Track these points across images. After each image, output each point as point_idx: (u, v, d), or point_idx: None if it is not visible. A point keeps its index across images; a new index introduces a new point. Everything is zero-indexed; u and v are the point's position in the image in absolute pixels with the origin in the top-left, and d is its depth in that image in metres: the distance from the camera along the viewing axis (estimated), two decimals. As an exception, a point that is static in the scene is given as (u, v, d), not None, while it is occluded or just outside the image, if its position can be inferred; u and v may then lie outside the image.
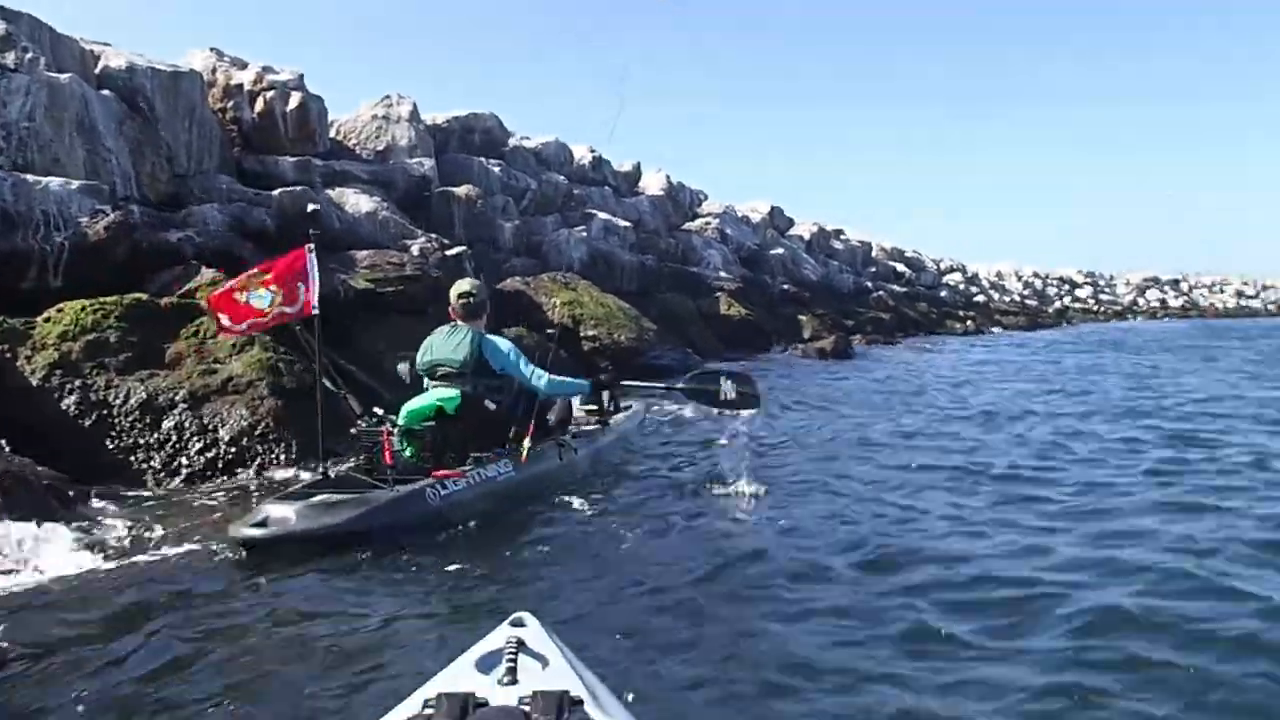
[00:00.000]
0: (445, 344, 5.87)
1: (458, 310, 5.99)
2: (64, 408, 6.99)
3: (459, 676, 1.99)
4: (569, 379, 6.43)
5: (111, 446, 6.93)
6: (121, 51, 13.30)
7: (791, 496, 6.14)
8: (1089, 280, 70.28)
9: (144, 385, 7.19)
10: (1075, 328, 47.81)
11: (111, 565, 4.65)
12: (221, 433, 7.08)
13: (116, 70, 12.78)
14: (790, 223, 33.56)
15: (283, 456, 7.07)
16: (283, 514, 4.68)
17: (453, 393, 5.63)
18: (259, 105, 15.33)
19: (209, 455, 7.01)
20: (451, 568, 4.53)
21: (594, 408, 7.34)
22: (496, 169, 18.42)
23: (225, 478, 6.85)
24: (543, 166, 20.79)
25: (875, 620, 3.76)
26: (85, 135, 11.09)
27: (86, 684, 3.21)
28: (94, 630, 3.75)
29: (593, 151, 23.20)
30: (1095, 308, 65.36)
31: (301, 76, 15.82)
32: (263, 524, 4.63)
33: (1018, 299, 56.37)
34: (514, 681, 1.90)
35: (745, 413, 6.73)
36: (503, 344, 5.99)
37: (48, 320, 7.46)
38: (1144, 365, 18.76)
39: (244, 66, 15.78)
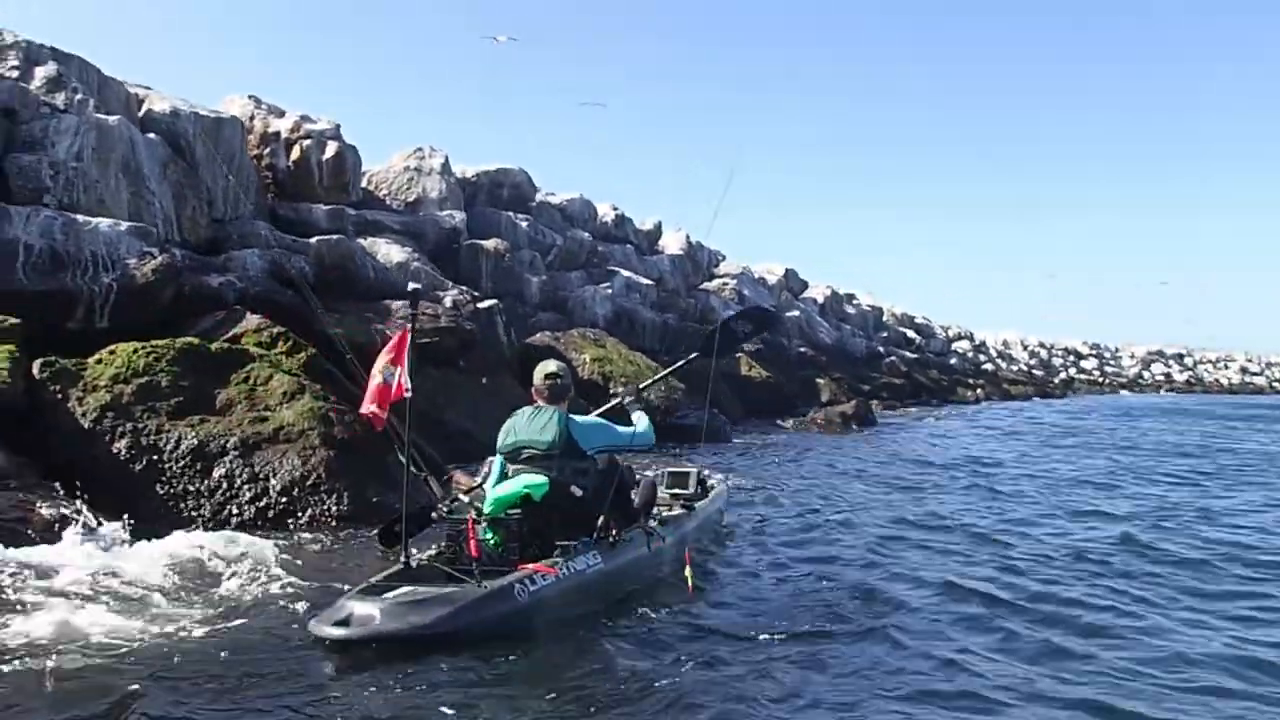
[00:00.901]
0: (530, 425, 5.47)
1: (543, 392, 5.62)
2: (115, 451, 6.90)
3: None
4: (647, 422, 6.14)
5: (162, 492, 6.84)
6: (166, 95, 13.43)
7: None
8: (1094, 352, 70.40)
9: (195, 431, 7.11)
10: (1082, 399, 47.82)
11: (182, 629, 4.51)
12: (273, 482, 6.99)
13: (160, 114, 12.88)
14: (804, 285, 33.68)
15: (334, 508, 6.97)
16: (367, 612, 4.37)
17: (541, 479, 5.26)
18: (295, 153, 15.44)
19: (260, 505, 6.92)
20: (540, 671, 4.25)
21: (679, 491, 7.04)
22: (524, 224, 18.52)
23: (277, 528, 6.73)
24: (567, 223, 20.92)
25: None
26: (130, 177, 11.14)
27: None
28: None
29: (615, 210, 23.36)
30: (1100, 379, 65.40)
31: (338, 127, 15.96)
32: (345, 622, 4.34)
33: (1024, 368, 56.40)
34: None
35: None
36: (588, 421, 5.74)
37: (99, 362, 7.40)
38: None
39: (281, 114, 15.92)
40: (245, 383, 7.67)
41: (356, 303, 12.56)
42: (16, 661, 3.90)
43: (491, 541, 5.14)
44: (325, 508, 6.95)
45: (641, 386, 6.92)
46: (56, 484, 6.26)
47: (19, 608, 4.54)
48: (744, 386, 19.56)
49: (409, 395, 4.92)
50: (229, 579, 5.31)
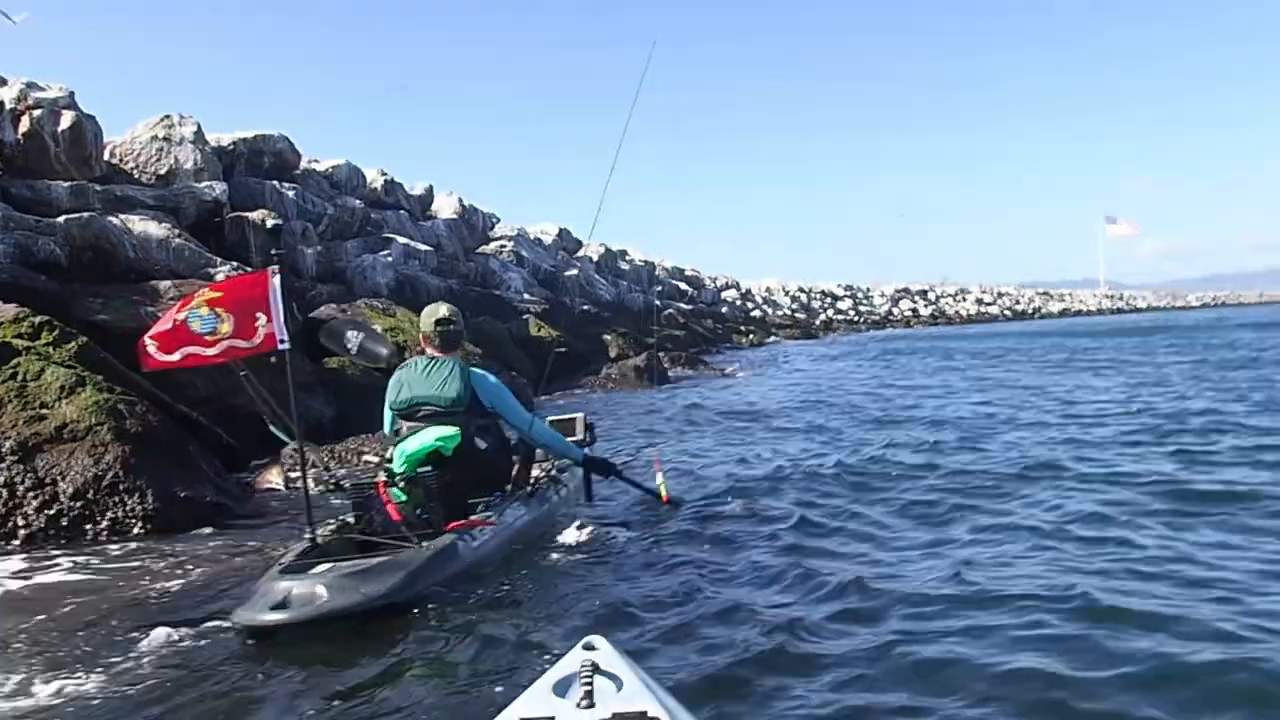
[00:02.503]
0: (427, 379, 5.05)
1: (434, 340, 5.23)
2: None
3: (536, 701, 2.04)
4: (562, 438, 5.81)
5: (-74, 511, 5.97)
6: None
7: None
8: (849, 293, 74.58)
9: (-41, 438, 6.24)
10: (846, 336, 50.70)
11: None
12: (62, 485, 6.24)
13: None
14: (578, 244, 33.69)
15: (139, 508, 6.30)
16: (308, 590, 3.92)
17: (451, 430, 4.88)
18: (24, 125, 13.83)
19: (49, 513, 6.17)
20: (496, 609, 4.21)
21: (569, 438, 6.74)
22: (291, 193, 17.48)
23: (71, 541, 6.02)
24: (336, 190, 19.93)
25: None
26: None
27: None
28: None
29: (384, 175, 22.48)
30: (856, 319, 69.40)
31: (73, 94, 14.43)
32: (284, 605, 3.87)
33: (788, 313, 59.07)
34: (591, 704, 1.95)
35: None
36: (492, 379, 5.34)
37: None
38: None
39: (3, 83, 14.22)
40: (14, 379, 6.79)
41: (116, 285, 11.47)
42: None
43: (407, 503, 4.69)
44: (129, 509, 6.27)
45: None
46: None
47: None
48: (534, 345, 19.37)
49: (285, 347, 4.44)
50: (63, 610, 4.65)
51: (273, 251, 4.64)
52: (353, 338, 7.16)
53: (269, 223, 5.58)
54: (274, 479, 7.92)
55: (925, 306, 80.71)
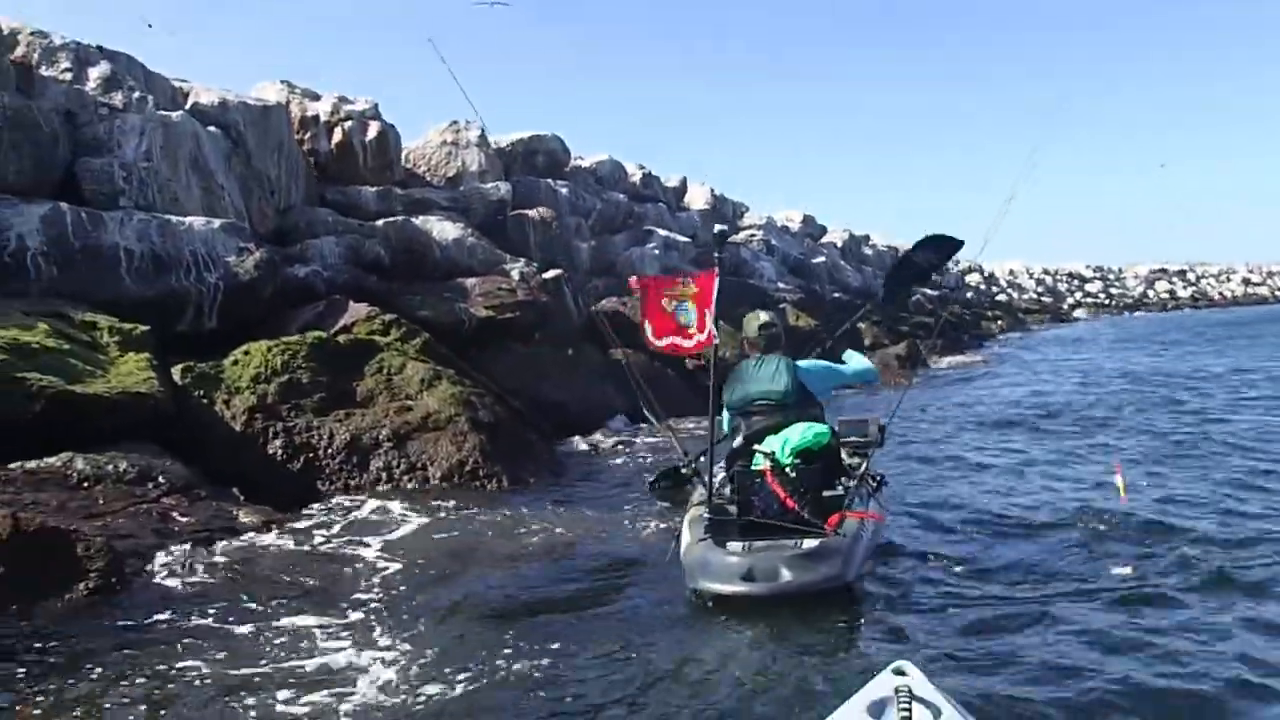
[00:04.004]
0: (759, 376, 5.40)
1: (758, 343, 5.60)
2: (271, 452, 6.83)
3: None
4: (862, 358, 6.25)
5: (323, 488, 6.77)
6: (211, 88, 13.16)
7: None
8: (1098, 274, 70.39)
9: (344, 425, 7.05)
10: (1100, 321, 47.87)
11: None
12: (432, 470, 6.94)
13: (209, 106, 12.62)
14: (823, 230, 33.52)
15: (496, 491, 6.91)
16: (771, 566, 4.42)
17: (823, 428, 5.19)
18: (337, 136, 15.19)
19: (421, 490, 6.85)
20: (817, 616, 4.32)
21: (856, 439, 6.62)
22: (564, 190, 18.32)
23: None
24: (600, 185, 20.69)
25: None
26: (200, 173, 10.95)
27: None
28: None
29: (643, 168, 23.12)
30: (1107, 301, 65.44)
31: (377, 106, 15.70)
32: (749, 577, 4.39)
33: (1034, 296, 56.42)
34: None
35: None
36: (813, 364, 5.68)
37: (235, 363, 7.32)
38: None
39: (317, 98, 15.65)
40: (380, 373, 7.59)
41: (426, 283, 12.43)
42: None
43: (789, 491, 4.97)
44: (487, 491, 6.89)
45: (837, 333, 6.94)
46: (235, 490, 6.17)
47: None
48: (793, 334, 19.47)
49: (717, 342, 4.91)
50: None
51: (716, 254, 5.25)
52: None
53: (716, 227, 6.02)
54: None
55: (1184, 288, 74.93)
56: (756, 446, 5.20)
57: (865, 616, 4.38)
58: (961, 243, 6.33)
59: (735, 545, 4.65)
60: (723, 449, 5.53)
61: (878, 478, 5.79)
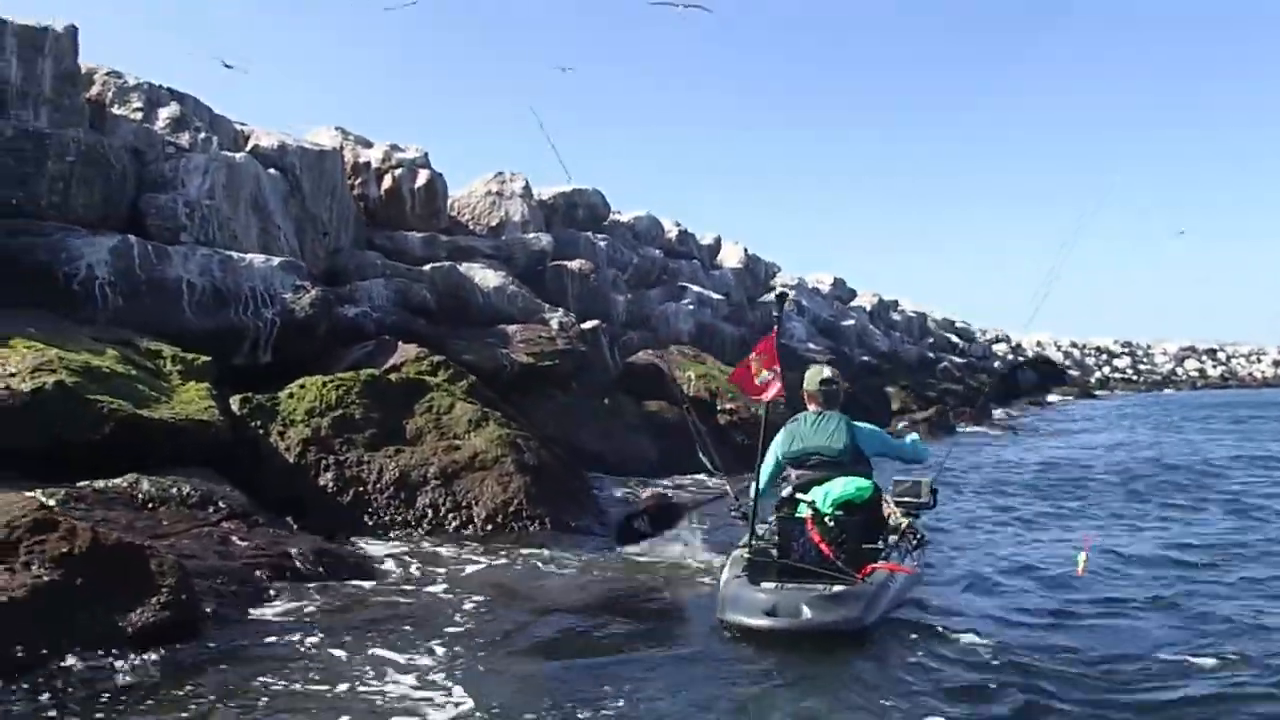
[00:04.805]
0: (817, 432, 5.63)
1: (817, 397, 5.83)
2: (322, 484, 7.04)
3: None
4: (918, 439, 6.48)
5: (371, 522, 6.96)
6: (271, 131, 13.60)
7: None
8: (1126, 350, 70.10)
9: (394, 461, 7.25)
10: (1124, 396, 47.63)
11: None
12: (476, 509, 7.11)
13: (268, 149, 13.03)
14: (852, 293, 33.71)
15: (538, 533, 7.06)
16: (793, 604, 4.72)
17: (867, 482, 5.45)
18: (386, 182, 15.60)
19: (466, 532, 7.02)
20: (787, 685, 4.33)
21: (908, 500, 6.78)
22: (603, 243, 18.63)
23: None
24: (637, 240, 21.02)
25: None
26: (259, 213, 11.33)
27: None
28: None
29: (678, 225, 23.48)
30: (1135, 377, 65.12)
31: (427, 155, 16.14)
32: (772, 613, 4.69)
33: (1061, 369, 56.18)
34: None
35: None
36: (868, 427, 5.89)
37: (291, 396, 7.55)
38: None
39: (369, 145, 16.10)
40: (429, 412, 7.79)
41: (470, 328, 12.71)
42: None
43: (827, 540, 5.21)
44: (530, 533, 7.05)
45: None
46: (289, 519, 6.37)
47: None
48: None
49: (784, 398, 5.36)
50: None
51: (775, 314, 5.77)
52: None
53: (778, 289, 6.61)
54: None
55: (1214, 366, 74.43)
56: (801, 496, 5.41)
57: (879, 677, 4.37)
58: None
59: (769, 585, 4.94)
60: (768, 499, 5.71)
61: (919, 535, 5.97)
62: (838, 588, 4.86)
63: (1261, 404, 36.65)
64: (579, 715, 3.73)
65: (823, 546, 5.04)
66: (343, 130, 16.21)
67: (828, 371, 6.00)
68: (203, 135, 11.59)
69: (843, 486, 5.34)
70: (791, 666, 4.38)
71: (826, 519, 5.23)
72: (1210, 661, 4.48)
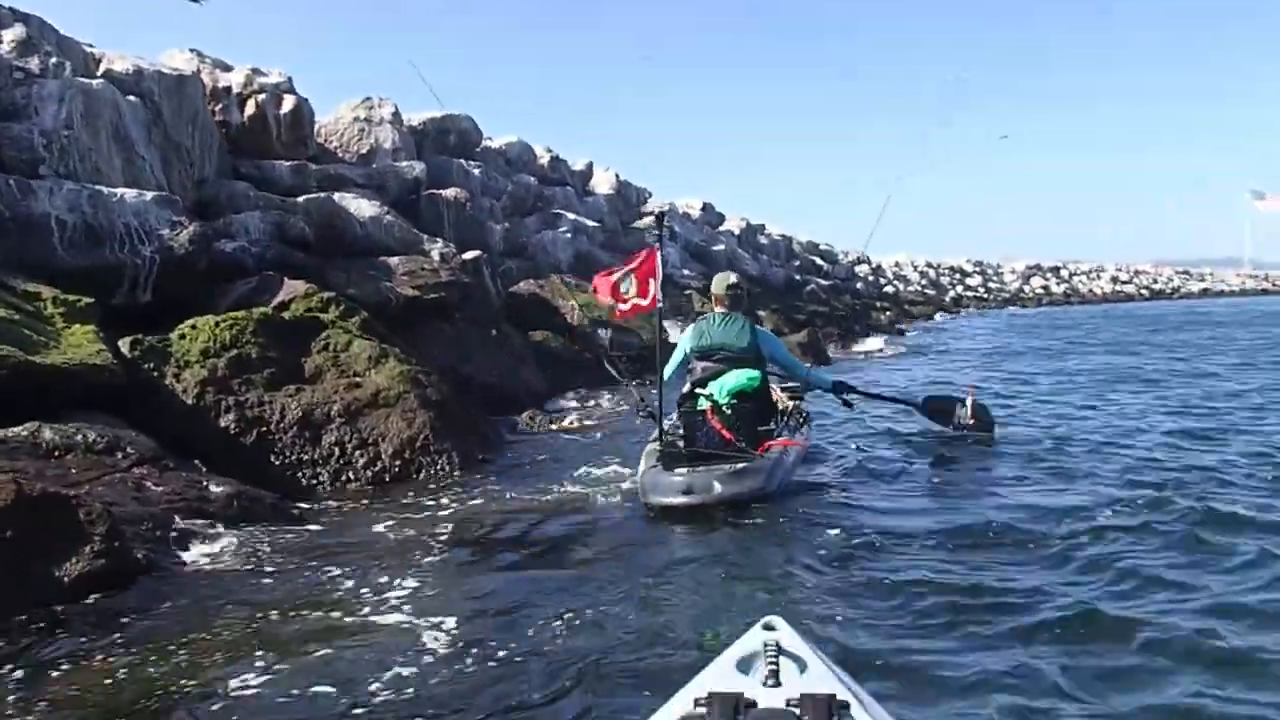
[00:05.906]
0: (725, 330, 6.36)
1: (724, 300, 6.56)
2: (223, 425, 6.94)
3: (722, 677, 2.06)
4: (820, 372, 7.48)
5: (277, 463, 6.92)
6: (125, 54, 12.86)
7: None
8: (978, 269, 73.23)
9: (295, 400, 7.19)
10: (984, 316, 49.98)
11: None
12: (383, 446, 7.14)
13: (123, 74, 12.31)
14: (721, 218, 34.17)
15: (447, 469, 7.16)
16: (705, 482, 5.55)
17: (755, 372, 6.21)
18: (249, 108, 14.96)
19: (374, 469, 7.07)
20: (704, 564, 4.76)
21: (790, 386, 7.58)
22: (476, 171, 18.41)
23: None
24: (510, 167, 20.82)
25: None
26: (121, 143, 10.78)
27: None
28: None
29: (550, 151, 23.31)
30: (986, 295, 68.19)
31: (291, 79, 15.53)
32: (689, 491, 5.51)
33: (918, 289, 58.45)
34: (777, 684, 1.96)
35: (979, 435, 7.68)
36: (765, 331, 6.76)
37: (183, 337, 7.36)
38: None
39: (229, 69, 15.38)
40: (327, 350, 7.73)
41: (347, 259, 12.46)
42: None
43: (726, 425, 5.96)
44: (439, 468, 7.14)
45: (858, 390, 7.82)
46: (196, 462, 6.28)
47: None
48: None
49: (661, 305, 5.97)
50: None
51: (655, 232, 6.22)
52: (602, 334, 8.18)
53: (657, 209, 6.97)
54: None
55: (1058, 284, 78.60)
56: (700, 390, 6.19)
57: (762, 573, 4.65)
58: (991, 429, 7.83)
59: (681, 470, 5.75)
60: (671, 394, 6.44)
61: (804, 414, 6.94)
62: (741, 465, 5.70)
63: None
64: (541, 616, 4.00)
65: (724, 432, 5.84)
66: (198, 53, 15.38)
67: (734, 277, 6.77)
68: (54, 60, 10.89)
69: (735, 378, 6.11)
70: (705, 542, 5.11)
71: (724, 408, 5.97)
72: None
